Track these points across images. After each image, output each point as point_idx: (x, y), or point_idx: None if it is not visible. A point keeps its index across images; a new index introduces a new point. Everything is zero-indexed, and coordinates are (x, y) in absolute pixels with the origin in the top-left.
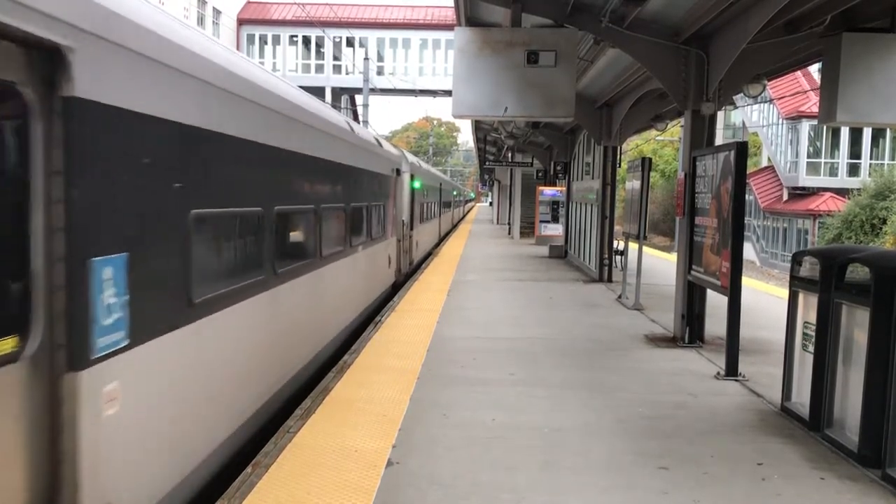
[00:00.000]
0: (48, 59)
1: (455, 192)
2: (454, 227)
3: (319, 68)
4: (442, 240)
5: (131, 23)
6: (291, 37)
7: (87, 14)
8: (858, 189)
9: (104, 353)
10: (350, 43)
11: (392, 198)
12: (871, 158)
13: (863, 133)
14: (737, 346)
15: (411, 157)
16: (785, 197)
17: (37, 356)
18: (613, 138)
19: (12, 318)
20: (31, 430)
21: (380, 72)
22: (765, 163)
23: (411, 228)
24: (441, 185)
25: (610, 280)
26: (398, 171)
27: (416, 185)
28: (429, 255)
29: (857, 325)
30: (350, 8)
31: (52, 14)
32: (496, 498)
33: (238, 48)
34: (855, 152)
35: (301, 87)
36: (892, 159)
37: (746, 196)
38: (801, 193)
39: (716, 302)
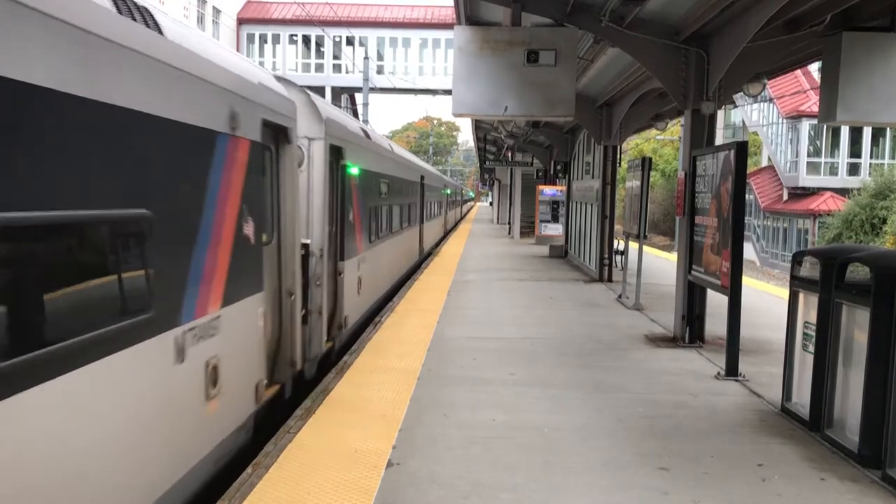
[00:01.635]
0: None
1: (449, 191)
2: (448, 233)
3: (319, 67)
4: (429, 255)
5: None
6: (291, 36)
7: None
8: (858, 189)
9: None
10: (350, 42)
11: (233, 199)
12: (871, 158)
13: (863, 133)
14: (737, 346)
15: (332, 111)
16: (785, 197)
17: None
18: (613, 138)
19: None
20: None
21: (380, 71)
22: (765, 162)
23: (341, 258)
24: (423, 178)
25: (610, 280)
26: (275, 131)
27: (354, 171)
28: (394, 295)
29: (857, 325)
30: (350, 7)
31: None
32: (496, 498)
33: (238, 48)
34: (855, 152)
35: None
36: (892, 159)
37: (746, 196)
38: (801, 193)
39: (716, 302)
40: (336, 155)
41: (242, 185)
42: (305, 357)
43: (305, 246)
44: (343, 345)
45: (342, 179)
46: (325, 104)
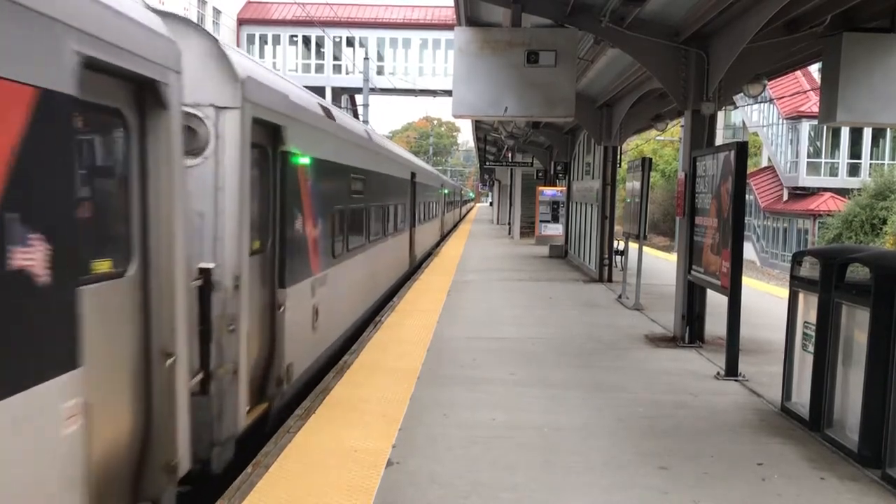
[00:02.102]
0: None
1: (447, 191)
2: (446, 236)
3: (319, 68)
4: (421, 265)
5: None
6: (291, 37)
7: None
8: (858, 189)
9: None
10: (350, 43)
11: None
12: (871, 158)
13: (863, 133)
14: (737, 346)
15: (259, 71)
16: (785, 197)
17: None
18: (613, 138)
19: None
20: None
21: (380, 72)
22: (765, 163)
23: (282, 284)
24: (414, 176)
25: (610, 280)
26: (133, 85)
27: (304, 161)
28: (372, 319)
29: (857, 325)
30: (350, 8)
31: None
32: (496, 497)
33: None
34: (855, 152)
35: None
36: (892, 159)
37: (746, 196)
38: (801, 193)
39: (716, 302)
40: (270, 136)
41: (6, 173)
42: (213, 440)
43: (205, 273)
44: (287, 403)
45: (283, 173)
46: (246, 59)
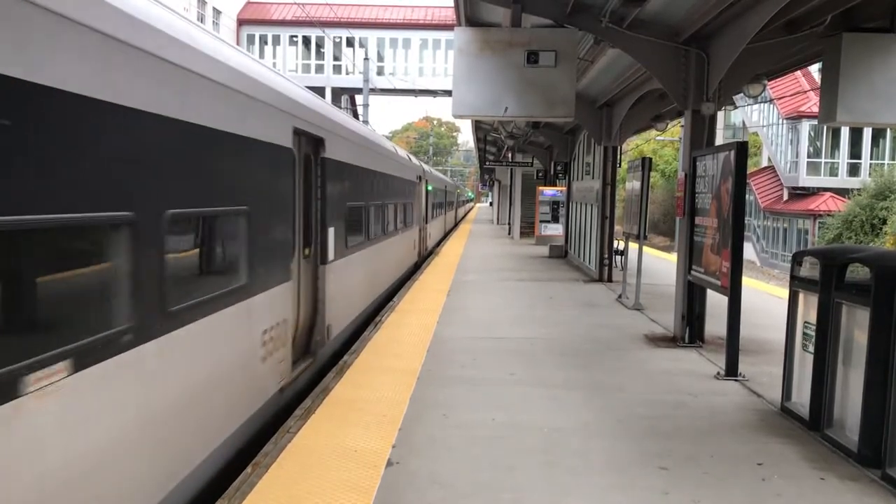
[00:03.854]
0: None
1: (431, 187)
2: (430, 253)
3: (319, 68)
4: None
5: None
6: (291, 37)
7: None
8: (858, 189)
9: None
10: (350, 43)
11: None
12: (871, 158)
13: (863, 133)
14: (737, 346)
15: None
16: (785, 197)
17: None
18: (613, 138)
19: None
20: None
21: (380, 72)
22: (765, 163)
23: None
24: (322, 144)
25: (610, 280)
26: None
27: None
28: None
29: (857, 325)
30: (350, 8)
31: None
32: (496, 498)
33: None
34: (855, 152)
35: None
36: (892, 159)
37: (746, 196)
38: (801, 193)
39: (716, 302)
40: None
41: None
42: None
43: None
44: None
45: None
46: None
